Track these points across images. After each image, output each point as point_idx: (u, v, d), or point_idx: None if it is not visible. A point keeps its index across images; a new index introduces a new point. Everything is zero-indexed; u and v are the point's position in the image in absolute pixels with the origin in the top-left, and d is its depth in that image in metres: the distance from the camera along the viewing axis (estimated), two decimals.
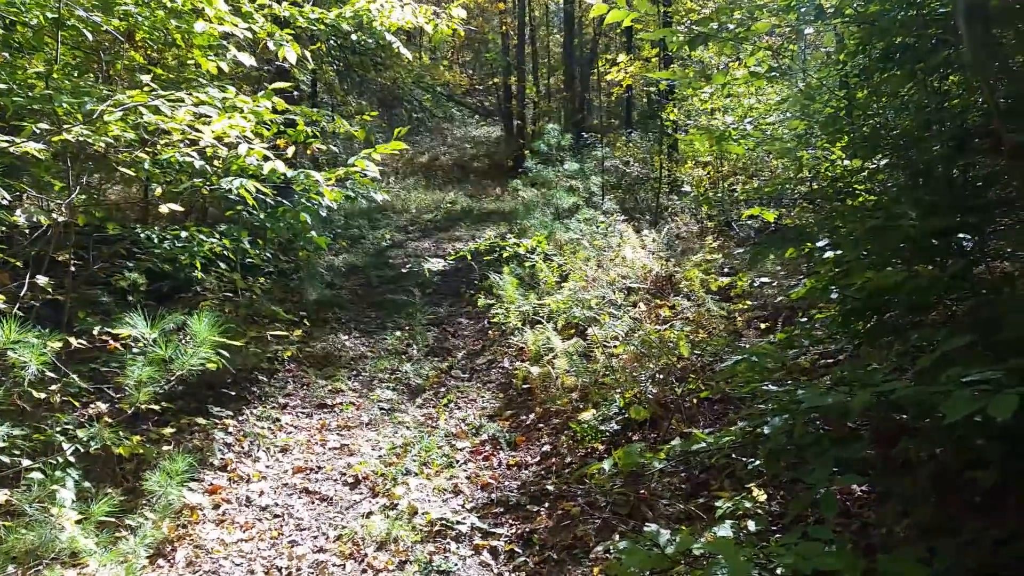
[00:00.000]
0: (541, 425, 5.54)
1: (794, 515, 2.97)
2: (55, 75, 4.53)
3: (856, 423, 3.42)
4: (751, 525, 3.02)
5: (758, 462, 3.35)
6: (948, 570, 2.44)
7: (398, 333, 8.04)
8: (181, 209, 5.00)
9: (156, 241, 5.82)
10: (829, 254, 3.52)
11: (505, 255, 8.86)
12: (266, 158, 4.60)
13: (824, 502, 2.54)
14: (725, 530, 2.72)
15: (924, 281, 2.99)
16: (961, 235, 3.24)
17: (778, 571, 2.59)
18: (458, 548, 4.07)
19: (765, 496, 3.65)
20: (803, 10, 3.99)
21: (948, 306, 3.49)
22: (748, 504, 3.38)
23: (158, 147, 4.74)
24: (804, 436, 2.93)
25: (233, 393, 6.10)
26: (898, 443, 2.90)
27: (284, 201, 5.90)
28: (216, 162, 4.85)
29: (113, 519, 3.82)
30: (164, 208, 4.74)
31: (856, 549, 2.76)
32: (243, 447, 5.37)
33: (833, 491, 2.60)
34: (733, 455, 4.07)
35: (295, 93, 8.90)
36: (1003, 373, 2.16)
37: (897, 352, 3.35)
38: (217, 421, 5.57)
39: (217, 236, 6.06)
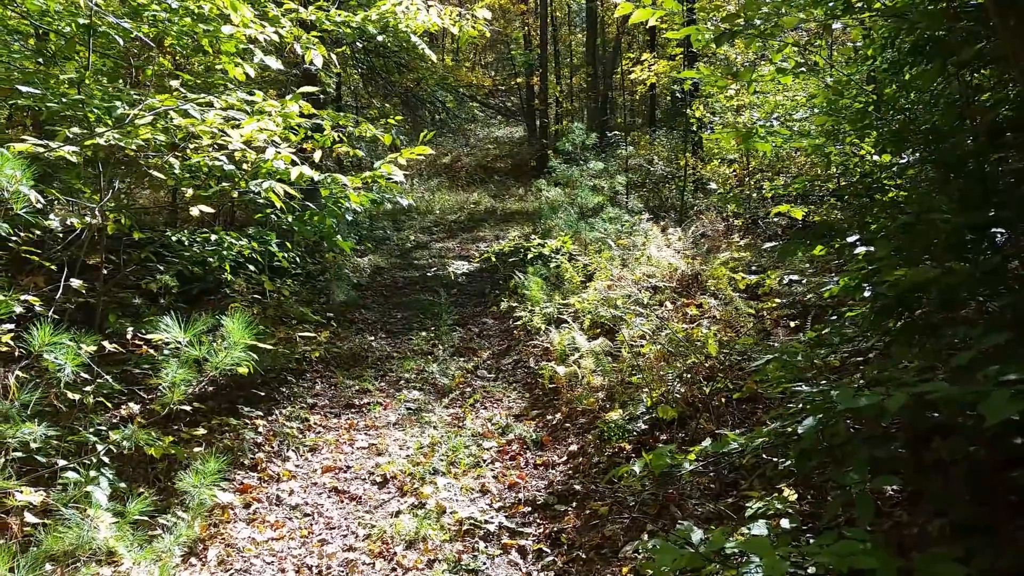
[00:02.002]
0: (568, 425, 5.53)
1: (830, 517, 2.93)
2: (87, 81, 4.60)
3: (889, 422, 3.38)
4: (784, 524, 2.99)
5: (789, 462, 3.32)
6: (985, 570, 2.40)
7: (424, 333, 8.08)
8: (211, 211, 5.05)
9: (186, 244, 5.90)
10: (860, 250, 3.47)
11: (530, 256, 8.86)
12: (293, 162, 4.64)
13: (860, 503, 2.51)
14: (759, 528, 2.70)
15: (957, 277, 2.94)
16: (995, 230, 3.18)
17: (811, 570, 2.56)
18: (486, 547, 4.08)
19: (796, 496, 3.62)
20: (831, 4, 3.94)
21: (982, 303, 3.43)
22: (779, 504, 3.35)
23: (187, 151, 4.80)
24: (836, 436, 2.89)
25: (263, 393, 6.16)
26: (931, 442, 2.85)
27: (310, 204, 5.94)
28: (244, 166, 4.90)
29: (147, 518, 3.87)
30: (194, 211, 4.79)
31: (890, 548, 2.73)
32: (273, 447, 5.42)
33: (867, 491, 2.56)
34: (763, 455, 4.03)
35: (321, 97, 8.95)
36: None
37: (929, 350, 3.30)
38: (247, 421, 5.63)
39: (246, 239, 6.12)
